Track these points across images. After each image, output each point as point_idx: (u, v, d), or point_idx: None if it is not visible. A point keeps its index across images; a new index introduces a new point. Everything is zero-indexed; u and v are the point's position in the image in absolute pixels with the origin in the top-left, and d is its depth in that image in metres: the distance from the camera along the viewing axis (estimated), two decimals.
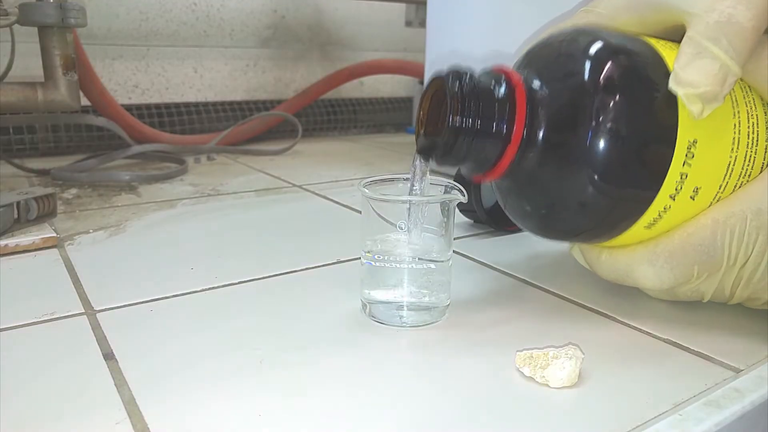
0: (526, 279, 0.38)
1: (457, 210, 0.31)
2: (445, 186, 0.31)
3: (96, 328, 0.30)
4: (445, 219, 0.30)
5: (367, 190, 0.30)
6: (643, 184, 0.28)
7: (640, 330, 0.31)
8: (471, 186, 0.41)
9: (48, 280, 0.37)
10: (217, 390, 0.25)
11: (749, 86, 0.30)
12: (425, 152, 0.29)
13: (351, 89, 1.09)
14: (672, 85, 0.26)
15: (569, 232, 0.31)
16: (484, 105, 0.27)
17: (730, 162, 0.29)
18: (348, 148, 0.93)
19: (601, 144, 0.27)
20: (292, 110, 0.97)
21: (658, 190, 0.27)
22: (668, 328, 0.31)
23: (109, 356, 0.27)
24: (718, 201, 0.29)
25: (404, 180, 0.32)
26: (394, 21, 1.13)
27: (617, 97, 0.27)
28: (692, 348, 0.29)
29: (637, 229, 0.29)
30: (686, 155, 0.27)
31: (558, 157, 0.28)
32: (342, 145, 0.96)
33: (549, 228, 0.31)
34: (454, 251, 0.35)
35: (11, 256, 0.40)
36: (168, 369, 0.26)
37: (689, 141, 0.27)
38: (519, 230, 0.46)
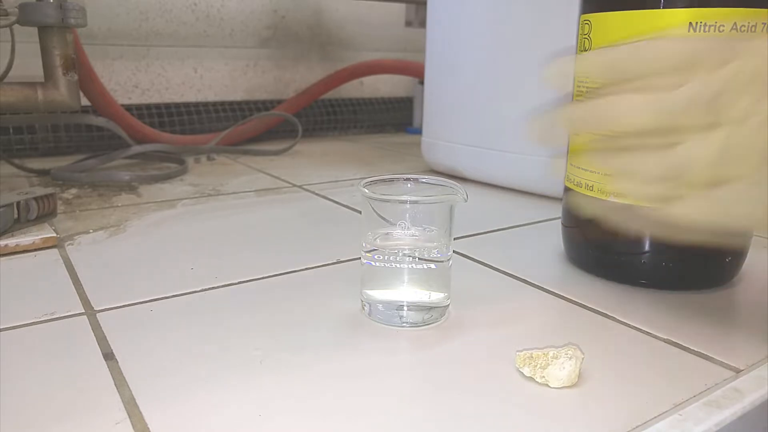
0: (526, 279, 0.38)
1: (455, 209, 0.31)
2: (446, 186, 0.31)
3: (96, 328, 0.30)
4: (446, 219, 0.30)
5: (367, 190, 0.30)
6: None
7: (640, 330, 0.31)
8: None
9: (48, 280, 0.37)
10: (217, 390, 0.25)
11: None
12: None
13: (351, 89, 1.09)
14: None
15: None
16: None
17: None
18: (348, 148, 0.93)
19: None
20: (292, 110, 0.97)
21: None
22: (668, 328, 0.31)
23: (109, 356, 0.27)
24: None
25: (404, 180, 0.32)
26: (394, 21, 1.13)
27: None
28: (692, 348, 0.29)
29: None
30: None
31: None
32: (342, 145, 0.96)
33: None
34: (454, 251, 0.35)
35: (11, 256, 0.40)
36: (168, 369, 0.26)
37: None
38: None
